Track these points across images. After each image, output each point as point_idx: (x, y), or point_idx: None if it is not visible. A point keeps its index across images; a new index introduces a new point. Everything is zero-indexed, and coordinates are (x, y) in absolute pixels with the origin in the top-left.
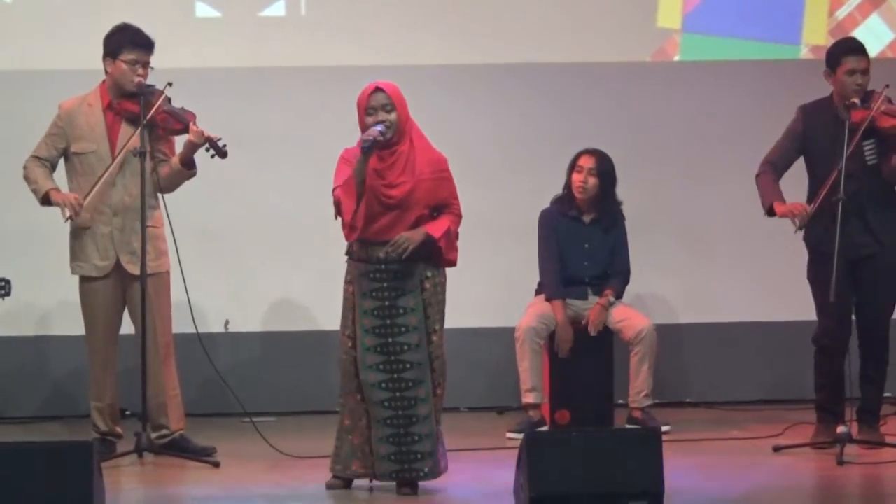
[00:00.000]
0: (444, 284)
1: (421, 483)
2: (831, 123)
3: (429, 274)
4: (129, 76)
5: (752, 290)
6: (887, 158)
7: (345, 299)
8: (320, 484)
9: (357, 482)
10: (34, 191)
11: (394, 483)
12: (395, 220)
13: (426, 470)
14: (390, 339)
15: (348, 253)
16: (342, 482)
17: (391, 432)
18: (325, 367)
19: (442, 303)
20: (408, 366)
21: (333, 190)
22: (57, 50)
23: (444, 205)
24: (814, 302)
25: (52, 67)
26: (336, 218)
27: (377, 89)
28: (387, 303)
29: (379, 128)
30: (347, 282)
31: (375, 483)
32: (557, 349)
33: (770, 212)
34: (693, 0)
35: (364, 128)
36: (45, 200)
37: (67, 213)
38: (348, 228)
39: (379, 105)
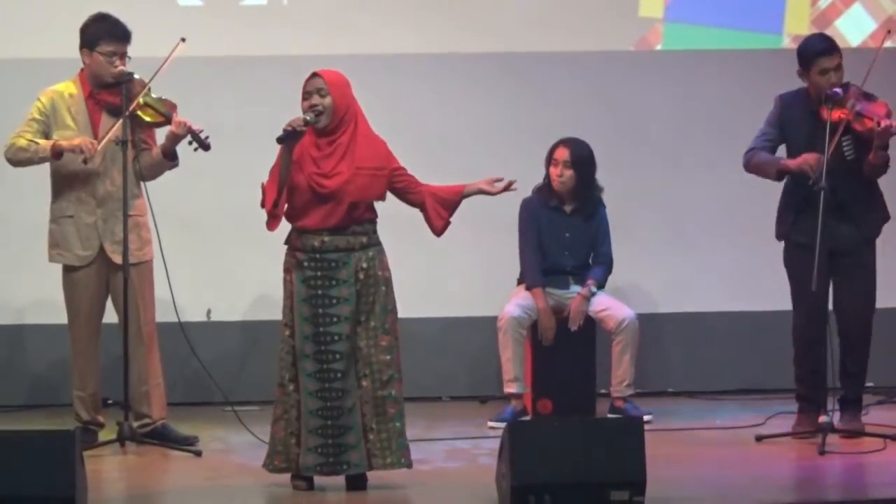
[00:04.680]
0: (379, 278)
1: (401, 472)
2: (807, 115)
3: (364, 265)
4: (106, 68)
5: (733, 279)
6: (864, 157)
7: (284, 287)
8: None
9: (326, 481)
10: (34, 153)
11: (317, 477)
12: (329, 210)
13: (352, 461)
14: (321, 329)
15: (287, 242)
16: (305, 482)
17: (320, 424)
18: None
19: (373, 295)
20: (337, 356)
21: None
22: (36, 38)
23: (403, 186)
24: (790, 291)
25: (31, 56)
26: (262, 207)
27: (315, 75)
28: (319, 291)
29: (306, 116)
30: (285, 270)
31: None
32: (541, 336)
33: (780, 174)
34: None
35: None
36: (56, 153)
37: (83, 156)
38: (270, 217)
39: (314, 89)
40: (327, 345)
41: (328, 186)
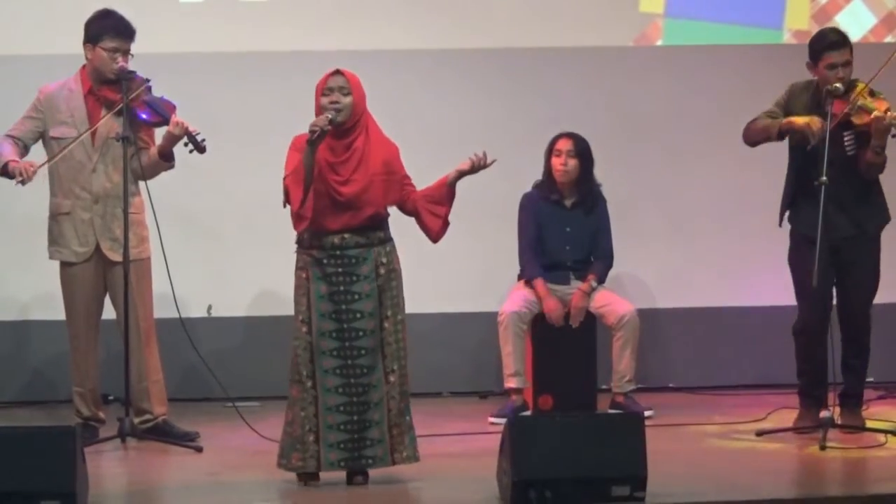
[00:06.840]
0: (397, 272)
1: (401, 467)
2: (812, 107)
3: (384, 260)
4: (108, 64)
5: (734, 274)
6: (862, 154)
7: (298, 286)
8: None
9: (327, 476)
10: None
11: (341, 473)
12: (347, 215)
13: (377, 455)
14: (345, 325)
15: (298, 242)
16: (309, 477)
17: (343, 419)
18: None
19: (395, 289)
20: (362, 352)
21: (283, 179)
22: (38, 35)
23: (404, 194)
24: (793, 286)
25: (33, 52)
26: (285, 206)
27: (337, 72)
28: (341, 288)
29: (329, 115)
30: (299, 268)
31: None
32: (549, 320)
33: (781, 134)
34: None
35: (318, 110)
36: (3, 171)
37: (18, 179)
38: (296, 218)
39: (336, 86)
40: (352, 341)
41: (345, 193)
